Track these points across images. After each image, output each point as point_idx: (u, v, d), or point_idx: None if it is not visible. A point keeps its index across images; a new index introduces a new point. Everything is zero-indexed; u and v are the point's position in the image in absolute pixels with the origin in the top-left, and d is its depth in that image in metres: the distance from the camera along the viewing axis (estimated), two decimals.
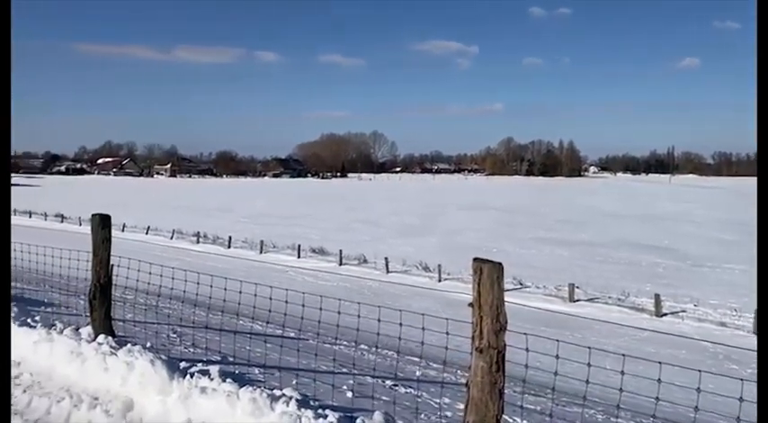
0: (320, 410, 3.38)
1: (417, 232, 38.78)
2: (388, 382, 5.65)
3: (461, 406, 4.97)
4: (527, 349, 3.29)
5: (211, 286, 5.32)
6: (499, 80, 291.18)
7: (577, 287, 20.52)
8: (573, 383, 4.47)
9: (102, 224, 5.06)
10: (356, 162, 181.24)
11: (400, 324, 4.12)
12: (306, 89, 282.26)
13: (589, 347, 3.51)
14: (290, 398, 3.44)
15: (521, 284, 21.53)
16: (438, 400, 5.10)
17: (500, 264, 2.99)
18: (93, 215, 5.15)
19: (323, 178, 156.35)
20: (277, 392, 3.53)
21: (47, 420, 3.81)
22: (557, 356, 3.35)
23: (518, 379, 4.14)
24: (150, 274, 5.84)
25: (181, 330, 6.76)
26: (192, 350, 5.74)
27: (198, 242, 32.52)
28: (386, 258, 24.79)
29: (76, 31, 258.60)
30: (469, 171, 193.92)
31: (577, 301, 20.09)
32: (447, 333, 3.74)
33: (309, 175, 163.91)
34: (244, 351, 5.55)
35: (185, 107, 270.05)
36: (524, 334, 3.23)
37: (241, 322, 7.75)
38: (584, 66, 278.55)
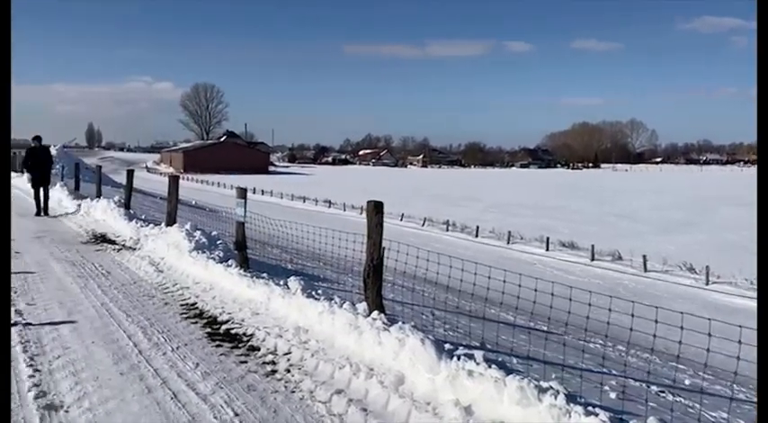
0: (590, 408, 3.27)
1: (681, 229, 35.38)
2: (654, 388, 5.28)
3: None
4: None
5: (475, 273, 5.45)
6: None
7: None
8: None
9: (376, 210, 5.48)
10: (610, 152, 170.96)
11: (681, 328, 3.80)
12: (557, 77, 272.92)
13: None
14: (558, 391, 3.39)
15: None
16: (714, 414, 4.64)
17: None
18: (368, 202, 5.60)
19: (573, 169, 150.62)
20: (544, 384, 3.50)
21: (331, 384, 4.26)
22: None
23: None
24: (418, 257, 6.18)
25: (438, 313, 7.07)
26: (452, 333, 5.97)
27: (447, 230, 33.57)
28: (644, 256, 23.04)
29: (344, 34, 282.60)
30: (746, 162, 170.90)
31: None
32: (740, 342, 3.35)
33: (559, 165, 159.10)
34: (503, 340, 5.60)
35: (437, 100, 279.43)
36: None
37: (493, 310, 7.83)
38: None
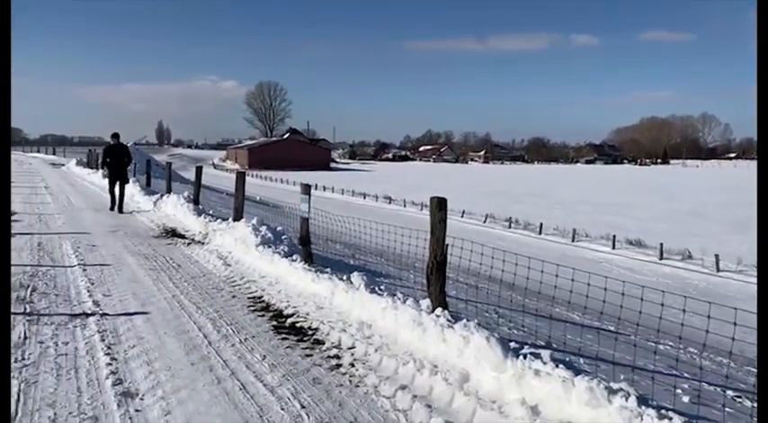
0: (663, 411, 3.16)
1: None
2: (730, 393, 5.06)
3: None
4: None
5: (542, 271, 5.36)
6: None
7: None
8: None
9: (439, 206, 5.44)
10: (680, 147, 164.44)
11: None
12: (624, 70, 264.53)
13: None
14: (628, 393, 3.29)
15: None
16: None
17: None
18: (431, 198, 5.56)
19: (641, 165, 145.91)
20: (614, 386, 3.41)
21: (395, 379, 4.28)
22: None
23: None
24: (482, 255, 6.13)
25: (502, 311, 6.98)
26: (516, 332, 5.89)
27: (509, 227, 33.19)
28: (716, 255, 22.16)
29: (402, 32, 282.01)
30: None
31: None
32: None
33: (625, 161, 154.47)
34: (570, 339, 5.49)
35: (499, 95, 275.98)
36: None
37: (557, 309, 7.69)
38: None
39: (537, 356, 3.91)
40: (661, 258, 24.08)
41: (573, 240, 28.50)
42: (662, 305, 4.30)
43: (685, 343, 6.59)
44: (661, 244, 24.60)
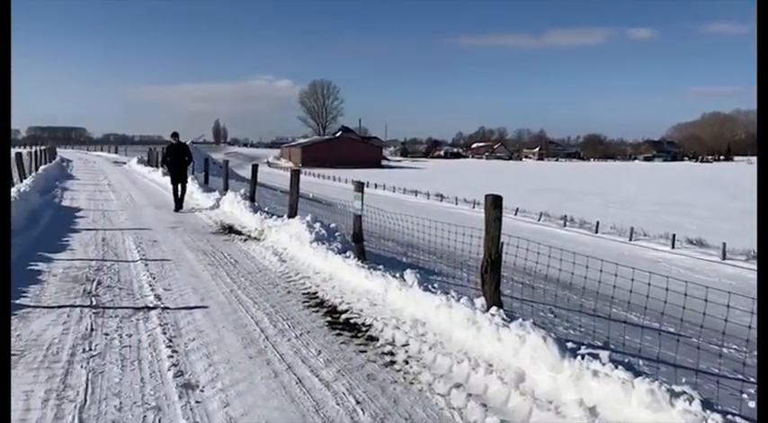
0: (729, 416, 3.06)
1: None
2: None
3: None
4: None
5: (601, 270, 5.25)
6: None
7: None
8: None
9: (494, 204, 5.39)
10: (745, 143, 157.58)
11: None
12: (684, 64, 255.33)
13: None
14: (692, 397, 3.19)
15: None
16: None
17: None
18: (486, 196, 5.51)
19: (702, 162, 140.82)
20: (677, 388, 3.31)
21: (449, 377, 4.27)
22: None
23: None
24: (539, 253, 6.05)
25: (558, 311, 6.87)
26: (572, 332, 5.79)
27: (564, 225, 32.56)
28: None
29: (455, 28, 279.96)
30: None
31: None
32: None
33: (686, 158, 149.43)
34: (628, 340, 5.36)
35: (554, 91, 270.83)
36: None
37: (615, 309, 7.50)
38: None
39: (595, 357, 3.84)
40: (724, 258, 23.17)
41: (630, 239, 27.74)
42: (728, 307, 4.15)
43: (752, 346, 6.33)
44: (724, 243, 23.68)
